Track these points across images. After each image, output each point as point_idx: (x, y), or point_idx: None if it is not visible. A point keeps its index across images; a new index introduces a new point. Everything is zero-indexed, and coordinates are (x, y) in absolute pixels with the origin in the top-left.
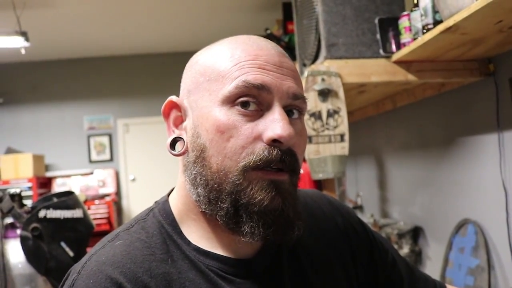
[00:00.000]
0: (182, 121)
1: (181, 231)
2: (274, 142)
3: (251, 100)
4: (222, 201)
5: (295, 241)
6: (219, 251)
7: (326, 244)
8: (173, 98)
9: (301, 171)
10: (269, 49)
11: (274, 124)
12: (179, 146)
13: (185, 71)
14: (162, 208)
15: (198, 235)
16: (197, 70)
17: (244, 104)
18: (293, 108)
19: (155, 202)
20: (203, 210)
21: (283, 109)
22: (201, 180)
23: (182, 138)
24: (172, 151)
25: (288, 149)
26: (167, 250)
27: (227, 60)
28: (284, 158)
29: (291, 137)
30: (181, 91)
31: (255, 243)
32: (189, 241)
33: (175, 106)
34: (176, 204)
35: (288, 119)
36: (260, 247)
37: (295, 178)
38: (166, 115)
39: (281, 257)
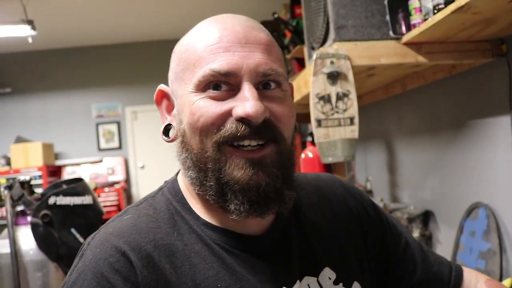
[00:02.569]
0: (173, 108)
1: (190, 207)
2: (243, 119)
3: (220, 85)
4: (208, 180)
5: (306, 221)
6: (228, 227)
7: (337, 225)
8: (162, 87)
9: (309, 153)
10: (234, 26)
11: (243, 102)
12: (171, 133)
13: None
14: (171, 187)
15: (207, 212)
16: (174, 60)
17: (214, 87)
18: (269, 81)
19: (165, 181)
20: (197, 192)
21: (254, 85)
22: (189, 163)
23: (173, 125)
24: (165, 138)
25: (262, 122)
26: (174, 224)
27: (195, 48)
28: (259, 131)
29: (259, 114)
30: (168, 81)
31: (264, 220)
32: (198, 215)
33: (164, 94)
34: (183, 183)
35: (257, 95)
36: (269, 225)
37: (283, 146)
38: (159, 103)
39: (290, 236)
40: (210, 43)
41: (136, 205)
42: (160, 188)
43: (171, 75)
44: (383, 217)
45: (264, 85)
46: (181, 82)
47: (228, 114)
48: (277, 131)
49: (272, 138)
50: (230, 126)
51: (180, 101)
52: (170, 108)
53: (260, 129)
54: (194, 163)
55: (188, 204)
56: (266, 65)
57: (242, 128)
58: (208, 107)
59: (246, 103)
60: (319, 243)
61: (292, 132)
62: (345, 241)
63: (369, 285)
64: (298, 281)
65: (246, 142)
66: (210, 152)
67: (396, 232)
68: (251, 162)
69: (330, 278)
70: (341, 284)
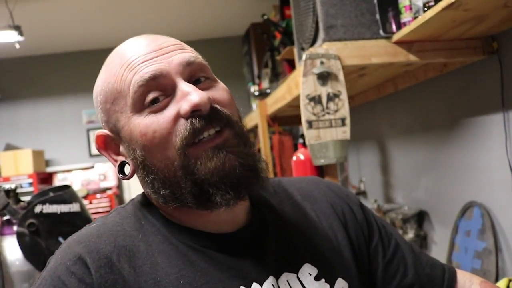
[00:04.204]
0: (118, 147)
1: (159, 211)
2: (193, 113)
3: (155, 95)
4: (184, 187)
5: (286, 220)
6: (199, 228)
7: (320, 224)
8: (100, 132)
9: (301, 156)
10: (143, 42)
11: (185, 97)
12: (127, 170)
13: (95, 107)
14: (142, 197)
15: (177, 215)
16: (100, 101)
17: (152, 102)
18: (198, 77)
19: (137, 194)
20: (173, 207)
21: (186, 80)
22: (158, 183)
23: (127, 162)
24: (124, 176)
25: (210, 109)
26: (140, 228)
27: (115, 75)
28: (211, 118)
29: (205, 100)
30: (102, 125)
31: (237, 218)
32: (167, 218)
33: (105, 138)
34: None
35: (194, 87)
36: (243, 223)
37: (238, 128)
38: (104, 149)
39: (267, 234)
40: (127, 63)
41: (105, 215)
42: (131, 199)
43: (103, 116)
44: (371, 218)
45: (194, 82)
46: (117, 114)
47: (177, 117)
48: (226, 115)
49: (225, 123)
50: (184, 126)
51: (124, 131)
52: (116, 149)
53: (212, 116)
54: (163, 181)
55: (157, 209)
56: (186, 56)
57: (197, 122)
58: (156, 120)
59: (188, 96)
60: (299, 240)
61: (238, 115)
62: (329, 239)
63: (357, 283)
64: (271, 277)
65: (205, 134)
66: (177, 160)
67: (385, 233)
68: (218, 148)
69: (310, 274)
70: (323, 280)
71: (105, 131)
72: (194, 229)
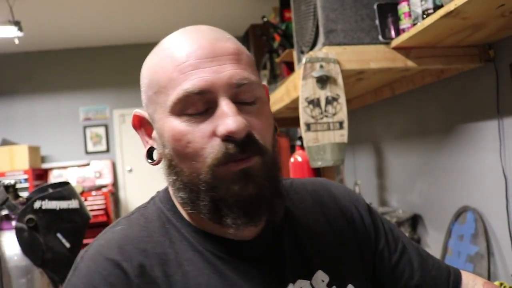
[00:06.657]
0: (152, 131)
1: (181, 214)
2: (228, 137)
3: (196, 105)
4: (202, 200)
5: (299, 225)
6: (219, 233)
7: (331, 229)
8: (137, 112)
9: (299, 157)
10: (199, 41)
11: (223, 119)
12: (155, 155)
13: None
14: (163, 196)
15: (198, 218)
16: (145, 84)
17: (192, 108)
18: (243, 100)
19: (157, 192)
20: (189, 211)
21: (231, 98)
22: (180, 185)
23: (155, 148)
24: (150, 161)
25: (245, 137)
26: (166, 233)
27: (164, 69)
28: (244, 146)
29: (241, 129)
30: (143, 105)
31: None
32: (190, 222)
33: (141, 119)
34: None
35: (235, 110)
36: (260, 230)
37: (267, 157)
38: (138, 128)
39: (282, 240)
40: (178, 62)
41: (127, 216)
42: (152, 198)
43: (144, 98)
44: (379, 222)
45: (240, 102)
46: (156, 105)
47: (213, 134)
48: (260, 145)
49: (257, 152)
50: (218, 148)
51: (159, 125)
52: (150, 131)
53: (245, 144)
54: (185, 185)
55: (179, 212)
56: (238, 75)
57: (231, 147)
58: (192, 132)
59: (226, 119)
60: (312, 246)
61: (272, 139)
62: (339, 244)
63: None
64: (291, 284)
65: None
66: (203, 175)
67: (392, 237)
68: (243, 173)
69: (323, 281)
70: (334, 287)
71: (143, 113)
72: (214, 234)
